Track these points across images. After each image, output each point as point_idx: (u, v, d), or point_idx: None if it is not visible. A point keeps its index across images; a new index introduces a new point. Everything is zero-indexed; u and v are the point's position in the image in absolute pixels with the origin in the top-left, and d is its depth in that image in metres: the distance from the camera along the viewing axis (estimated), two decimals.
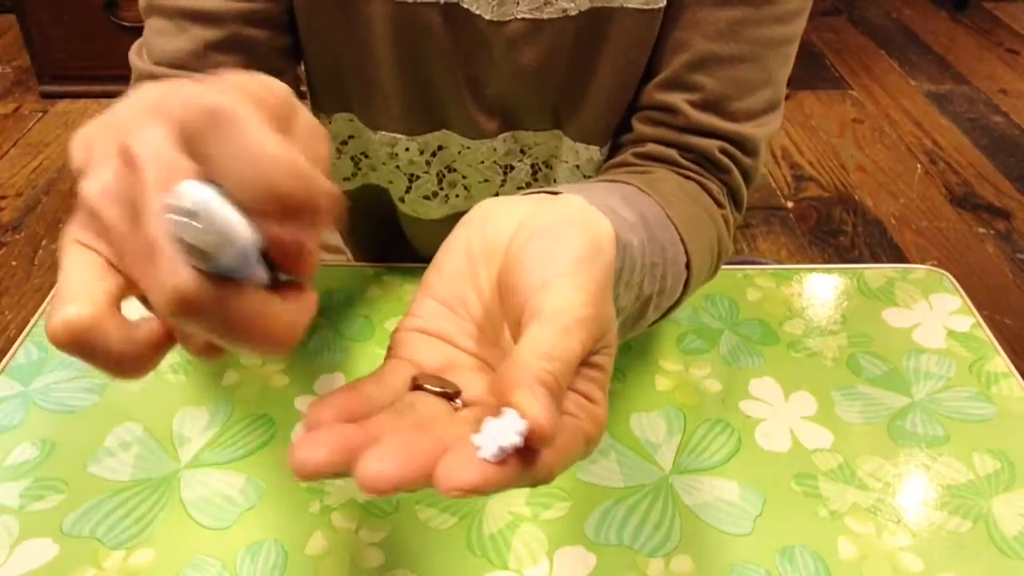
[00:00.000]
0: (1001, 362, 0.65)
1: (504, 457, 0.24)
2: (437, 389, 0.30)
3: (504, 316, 0.32)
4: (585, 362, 0.30)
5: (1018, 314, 1.77)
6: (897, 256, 1.94)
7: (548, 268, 0.30)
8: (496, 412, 0.25)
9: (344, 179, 0.71)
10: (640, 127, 0.59)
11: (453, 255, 0.34)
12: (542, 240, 0.31)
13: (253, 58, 0.57)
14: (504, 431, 0.24)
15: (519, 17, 0.56)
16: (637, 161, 0.59)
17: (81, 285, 0.25)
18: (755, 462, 0.57)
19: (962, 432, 0.59)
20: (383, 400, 0.29)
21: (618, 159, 0.60)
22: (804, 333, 0.68)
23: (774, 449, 0.58)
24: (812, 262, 1.90)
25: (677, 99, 0.57)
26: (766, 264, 0.77)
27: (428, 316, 0.33)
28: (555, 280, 0.29)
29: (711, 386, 0.63)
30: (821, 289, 0.73)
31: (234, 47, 0.56)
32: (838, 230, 2.03)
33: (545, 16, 0.56)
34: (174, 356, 0.64)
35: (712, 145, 0.57)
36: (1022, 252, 1.96)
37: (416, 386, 0.31)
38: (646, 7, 0.55)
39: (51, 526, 0.52)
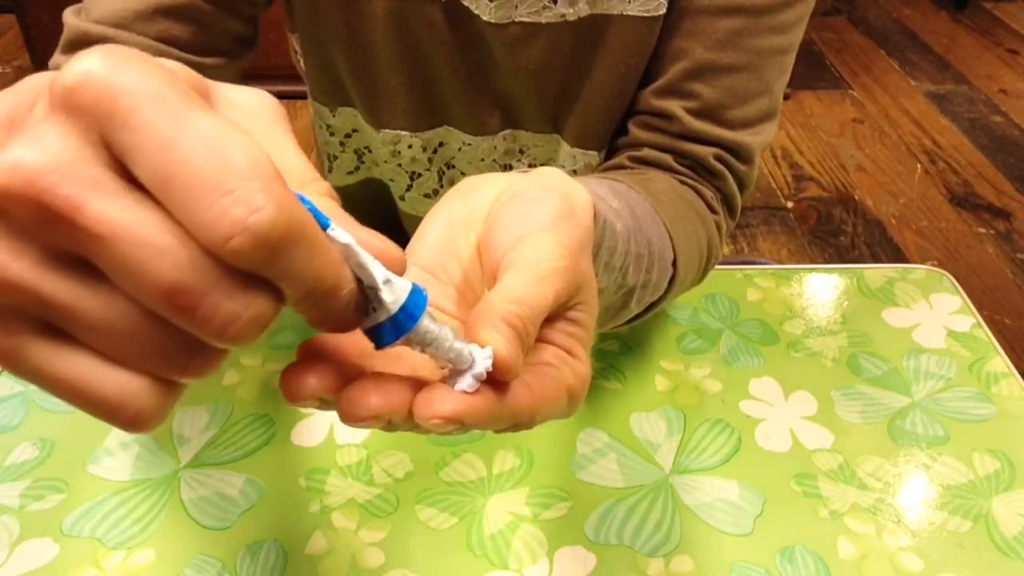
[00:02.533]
0: (1001, 362, 0.65)
1: (477, 387, 0.26)
2: None
3: (483, 276, 0.33)
4: (563, 317, 0.31)
5: (1018, 314, 1.77)
6: (897, 256, 1.94)
7: (525, 225, 0.31)
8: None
9: (348, 173, 0.71)
10: (636, 131, 0.60)
11: (435, 225, 0.35)
12: (519, 202, 0.32)
13: (203, 32, 0.56)
14: (473, 367, 0.26)
15: (517, 20, 0.56)
16: (632, 164, 0.59)
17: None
18: (755, 462, 0.57)
19: (962, 432, 0.59)
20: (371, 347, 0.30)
21: (613, 162, 0.60)
22: (804, 333, 0.68)
23: (774, 449, 0.58)
24: (812, 262, 1.90)
25: (674, 106, 0.57)
26: (766, 264, 0.77)
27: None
28: (531, 234, 0.30)
29: (711, 386, 0.63)
30: (821, 289, 0.73)
31: (186, 16, 0.55)
32: (838, 230, 2.03)
33: (543, 20, 0.56)
34: None
35: (707, 152, 0.58)
36: (1022, 252, 1.96)
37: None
38: (646, 14, 0.55)
39: (51, 526, 0.52)
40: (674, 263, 0.50)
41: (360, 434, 0.58)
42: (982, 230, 2.03)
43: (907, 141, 2.39)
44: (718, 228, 0.58)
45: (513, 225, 0.31)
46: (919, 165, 2.28)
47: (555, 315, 0.30)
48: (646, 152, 0.58)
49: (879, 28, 3.12)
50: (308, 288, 0.21)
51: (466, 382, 0.26)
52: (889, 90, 2.68)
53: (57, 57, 0.56)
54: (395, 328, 0.24)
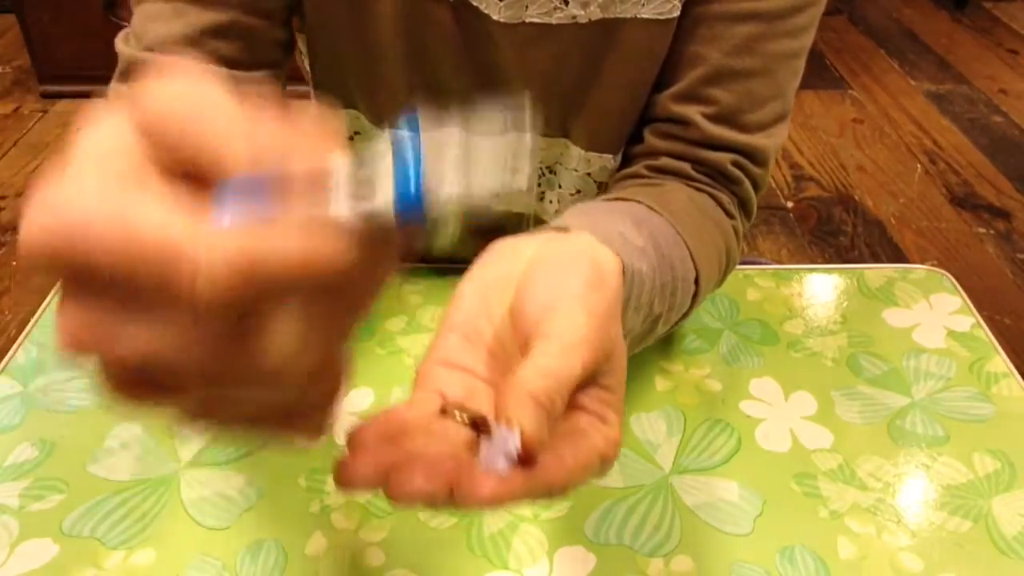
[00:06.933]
0: (1001, 362, 0.65)
1: (510, 467, 0.27)
2: (464, 418, 0.32)
3: (515, 342, 0.35)
4: (595, 383, 0.32)
5: (1018, 314, 1.77)
6: (897, 256, 1.94)
7: (555, 293, 0.33)
8: (489, 432, 0.28)
9: None
10: (653, 140, 0.60)
11: (470, 290, 0.37)
12: (548, 270, 0.34)
13: (250, 47, 0.56)
14: (503, 446, 0.27)
15: (527, 21, 0.56)
16: (649, 174, 0.59)
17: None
18: (755, 462, 0.57)
19: (962, 432, 0.59)
20: (416, 426, 0.32)
21: (630, 171, 0.61)
22: (804, 333, 0.68)
23: (774, 449, 0.58)
24: (812, 262, 1.90)
25: (692, 112, 0.58)
26: (766, 264, 0.77)
27: (449, 349, 0.36)
28: (560, 304, 0.32)
29: (711, 386, 0.63)
30: (821, 289, 0.73)
31: (232, 34, 0.55)
32: (838, 230, 2.03)
33: (554, 21, 0.56)
34: None
35: (725, 158, 0.58)
36: (1022, 252, 1.96)
37: (444, 413, 0.33)
38: (660, 17, 0.55)
39: (51, 526, 0.52)
40: (696, 280, 0.51)
41: None
42: (982, 230, 2.03)
43: (907, 141, 2.39)
44: (735, 232, 0.59)
45: (544, 293, 0.33)
46: (919, 165, 2.28)
47: (586, 382, 0.32)
48: (663, 161, 0.59)
49: (879, 28, 3.12)
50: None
51: (500, 463, 0.27)
52: (889, 90, 2.68)
53: (114, 84, 0.57)
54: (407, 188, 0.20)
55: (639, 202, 0.52)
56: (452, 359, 0.35)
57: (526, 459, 0.28)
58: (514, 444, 0.27)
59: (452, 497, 0.27)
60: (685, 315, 0.52)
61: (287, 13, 0.59)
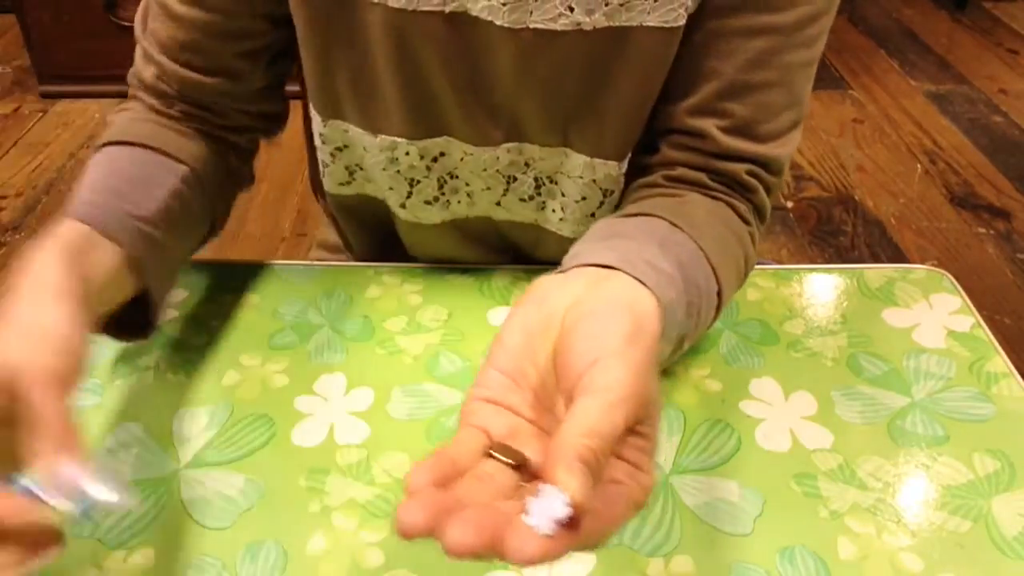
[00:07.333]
0: (1001, 362, 0.65)
1: (556, 529, 0.29)
2: (508, 461, 0.34)
3: (558, 388, 0.37)
4: (633, 431, 0.33)
5: (1018, 314, 1.77)
6: (897, 256, 1.94)
7: (597, 348, 0.34)
8: (536, 491, 0.30)
9: (340, 184, 0.71)
10: (669, 152, 0.60)
11: (513, 331, 0.38)
12: (591, 322, 0.36)
13: (212, 61, 0.61)
14: (550, 508, 0.29)
15: (531, 27, 0.55)
16: (667, 183, 0.60)
17: None
18: (755, 462, 0.57)
19: (962, 432, 0.59)
20: (465, 464, 0.34)
21: (648, 180, 0.61)
22: (804, 333, 0.68)
23: (774, 449, 0.58)
24: (812, 262, 1.90)
25: (708, 125, 0.58)
26: (766, 264, 0.77)
27: (494, 387, 0.38)
28: (603, 359, 0.34)
29: (711, 386, 0.63)
30: (821, 289, 0.73)
31: (196, 50, 0.61)
32: (838, 230, 2.03)
33: (559, 27, 0.55)
34: (174, 356, 0.64)
35: (740, 168, 0.59)
36: (1022, 252, 1.96)
37: (489, 454, 0.35)
38: (666, 25, 0.55)
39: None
40: (718, 292, 0.52)
41: (360, 434, 0.58)
42: (982, 230, 2.03)
43: (907, 141, 2.39)
44: (751, 238, 0.60)
45: (586, 347, 0.35)
46: (919, 165, 2.28)
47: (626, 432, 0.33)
48: (680, 171, 0.60)
49: (879, 28, 3.12)
50: None
51: (547, 525, 0.29)
52: (889, 90, 2.68)
53: (138, 63, 0.64)
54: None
55: (661, 218, 0.53)
56: (498, 398, 0.37)
57: (572, 522, 0.29)
58: (562, 509, 0.29)
59: (499, 552, 0.29)
60: (707, 328, 0.53)
61: (263, 24, 0.61)
